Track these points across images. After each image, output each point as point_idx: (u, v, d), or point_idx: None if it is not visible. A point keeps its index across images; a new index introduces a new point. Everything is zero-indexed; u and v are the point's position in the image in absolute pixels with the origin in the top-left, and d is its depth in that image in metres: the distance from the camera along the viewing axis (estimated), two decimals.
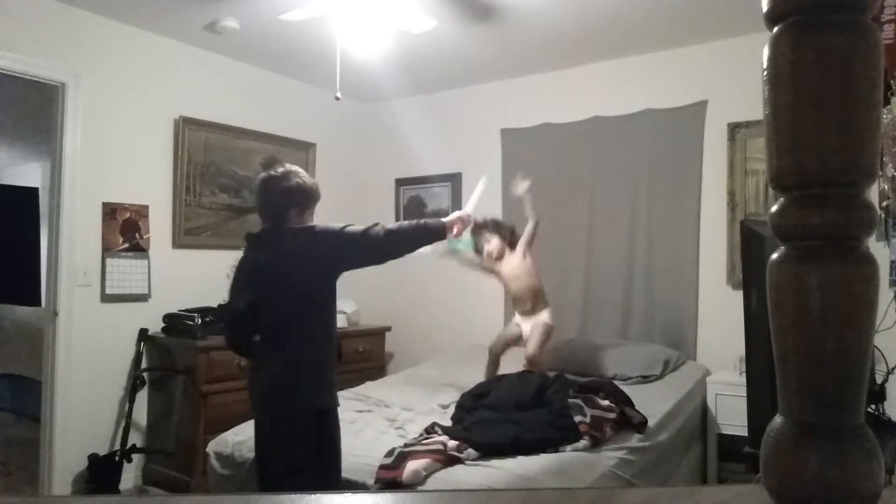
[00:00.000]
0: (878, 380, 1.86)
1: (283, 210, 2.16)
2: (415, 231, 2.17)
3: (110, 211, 3.57)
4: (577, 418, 2.46)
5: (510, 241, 3.41)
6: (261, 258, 2.16)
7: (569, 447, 2.34)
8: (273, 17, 3.36)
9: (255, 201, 2.26)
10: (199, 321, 3.53)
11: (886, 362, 1.94)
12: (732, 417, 3.23)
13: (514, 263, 3.38)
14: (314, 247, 2.12)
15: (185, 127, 3.90)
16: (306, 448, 2.05)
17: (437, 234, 2.18)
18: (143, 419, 3.68)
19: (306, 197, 2.20)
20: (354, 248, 2.11)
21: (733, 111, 3.72)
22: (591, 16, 3.48)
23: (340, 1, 2.89)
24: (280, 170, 2.20)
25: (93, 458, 3.40)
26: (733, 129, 3.75)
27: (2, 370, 5.14)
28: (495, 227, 3.41)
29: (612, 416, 2.53)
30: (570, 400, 2.60)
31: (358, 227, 2.13)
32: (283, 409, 2.08)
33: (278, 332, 2.10)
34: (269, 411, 2.13)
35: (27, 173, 7.53)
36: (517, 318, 3.49)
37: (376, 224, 2.13)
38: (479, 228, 3.35)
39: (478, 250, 3.45)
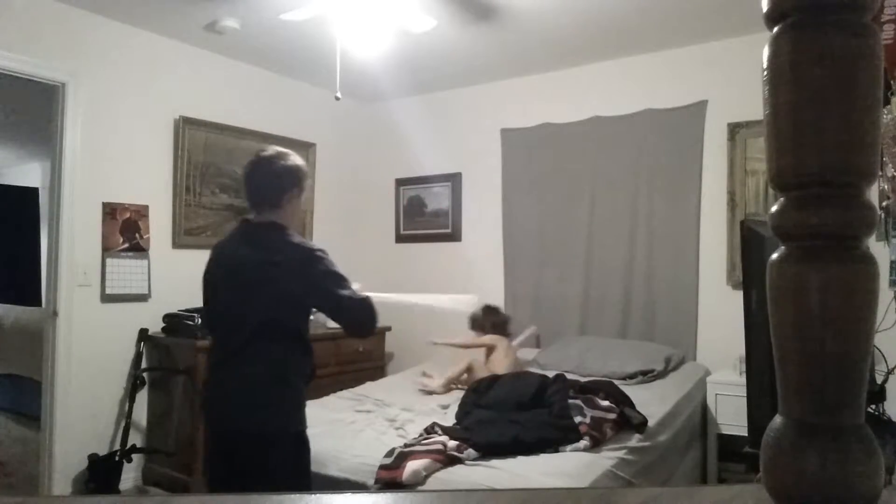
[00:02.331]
0: (878, 380, 1.86)
1: (282, 192, 2.02)
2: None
3: (110, 211, 3.57)
4: (577, 419, 2.46)
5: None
6: (252, 256, 1.99)
7: (569, 447, 2.34)
8: (273, 17, 3.36)
9: (246, 188, 2.09)
10: (199, 321, 3.53)
11: (886, 362, 1.93)
12: (732, 417, 3.23)
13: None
14: (306, 274, 1.94)
15: (185, 127, 3.90)
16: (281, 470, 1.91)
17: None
18: (143, 419, 3.68)
19: (304, 177, 2.09)
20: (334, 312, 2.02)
21: (733, 111, 3.72)
22: (591, 16, 3.48)
23: (340, 1, 2.89)
24: (273, 150, 2.08)
25: (93, 458, 3.40)
26: (733, 129, 3.75)
27: (2, 370, 5.14)
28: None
29: (613, 416, 2.53)
30: (570, 400, 2.60)
31: (350, 293, 1.98)
32: (252, 428, 1.92)
33: (249, 339, 1.95)
34: (238, 429, 1.95)
35: (27, 173, 7.54)
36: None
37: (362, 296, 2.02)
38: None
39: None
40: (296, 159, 2.10)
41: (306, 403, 2.04)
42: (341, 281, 1.98)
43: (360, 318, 2.03)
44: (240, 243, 2.05)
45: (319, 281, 1.95)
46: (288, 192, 2.04)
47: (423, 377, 3.55)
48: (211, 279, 2.14)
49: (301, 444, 2.00)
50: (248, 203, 2.10)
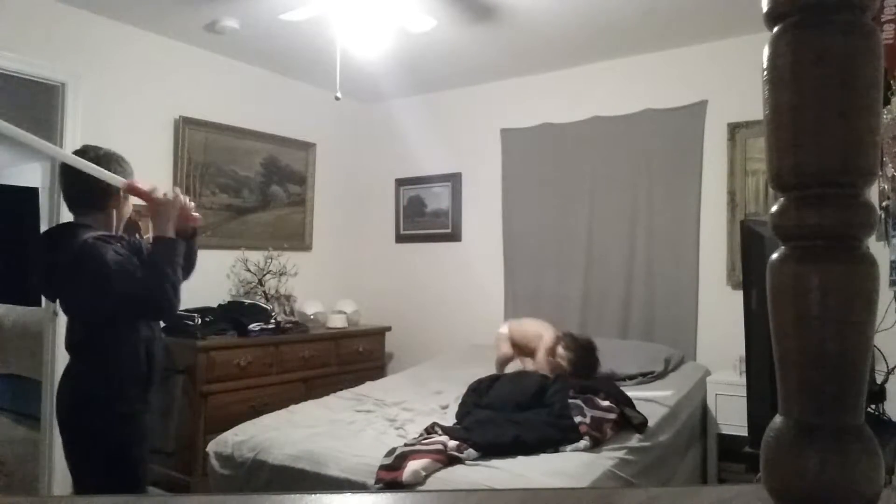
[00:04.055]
0: (878, 380, 1.86)
1: (105, 195, 1.92)
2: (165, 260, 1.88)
3: None
4: (578, 419, 2.46)
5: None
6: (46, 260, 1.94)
7: (569, 447, 2.34)
8: (273, 17, 3.36)
9: (63, 187, 1.98)
10: (199, 321, 3.53)
11: (886, 362, 1.94)
12: (732, 417, 3.23)
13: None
14: (75, 269, 1.82)
15: (185, 127, 3.90)
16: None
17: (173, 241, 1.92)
18: None
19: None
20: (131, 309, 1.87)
21: (733, 111, 3.72)
22: (591, 16, 3.48)
23: (340, 1, 2.89)
24: (96, 152, 1.96)
25: None
26: (733, 129, 3.75)
27: (2, 370, 5.14)
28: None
29: (613, 416, 2.53)
30: (570, 400, 2.60)
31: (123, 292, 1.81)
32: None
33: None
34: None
35: (27, 173, 7.53)
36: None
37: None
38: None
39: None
40: (118, 160, 1.98)
41: (125, 419, 1.95)
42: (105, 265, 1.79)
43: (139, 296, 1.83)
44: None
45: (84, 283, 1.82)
46: (112, 195, 1.94)
47: None
48: None
49: (120, 468, 1.91)
50: (67, 207, 1.97)
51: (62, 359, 3.33)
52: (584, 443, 2.36)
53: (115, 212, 1.98)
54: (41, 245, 1.97)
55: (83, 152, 1.96)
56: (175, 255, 1.92)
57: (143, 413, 2.03)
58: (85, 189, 1.92)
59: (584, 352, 3.27)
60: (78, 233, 1.86)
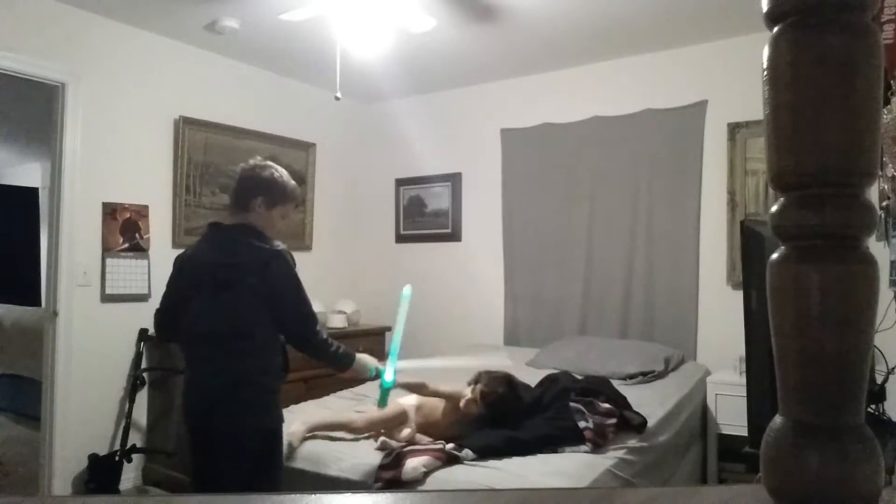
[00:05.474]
0: (878, 380, 1.86)
1: (249, 197, 2.14)
2: (338, 356, 2.24)
3: (110, 211, 3.57)
4: (581, 423, 2.44)
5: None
6: (216, 258, 2.12)
7: (568, 448, 2.34)
8: (273, 17, 3.36)
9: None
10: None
11: (886, 362, 1.93)
12: (732, 417, 3.23)
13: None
14: (265, 274, 2.04)
15: (185, 127, 3.90)
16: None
17: (346, 367, 2.29)
18: (143, 419, 3.67)
19: (273, 190, 2.17)
20: (290, 322, 2.13)
21: (733, 111, 3.72)
22: (591, 16, 3.48)
23: (340, 1, 2.89)
24: (257, 161, 2.24)
25: (93, 458, 3.39)
26: (733, 129, 3.75)
27: (2, 370, 5.14)
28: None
29: (613, 420, 2.52)
30: (571, 404, 2.57)
31: (310, 307, 2.14)
32: (228, 427, 2.05)
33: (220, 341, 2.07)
34: (213, 429, 2.08)
35: (27, 173, 7.53)
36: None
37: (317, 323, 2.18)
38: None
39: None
40: (274, 172, 2.20)
41: (280, 400, 2.17)
42: (298, 289, 2.10)
43: (303, 334, 2.15)
44: (208, 248, 2.17)
45: (276, 283, 2.06)
46: (257, 197, 2.14)
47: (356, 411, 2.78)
48: (179, 284, 2.23)
49: (273, 439, 2.12)
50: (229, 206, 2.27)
51: (62, 359, 3.35)
52: (584, 448, 2.35)
53: (260, 213, 2.18)
54: (217, 246, 2.18)
55: (251, 172, 2.21)
56: None
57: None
58: (237, 193, 2.26)
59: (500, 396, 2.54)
60: (249, 234, 2.13)
